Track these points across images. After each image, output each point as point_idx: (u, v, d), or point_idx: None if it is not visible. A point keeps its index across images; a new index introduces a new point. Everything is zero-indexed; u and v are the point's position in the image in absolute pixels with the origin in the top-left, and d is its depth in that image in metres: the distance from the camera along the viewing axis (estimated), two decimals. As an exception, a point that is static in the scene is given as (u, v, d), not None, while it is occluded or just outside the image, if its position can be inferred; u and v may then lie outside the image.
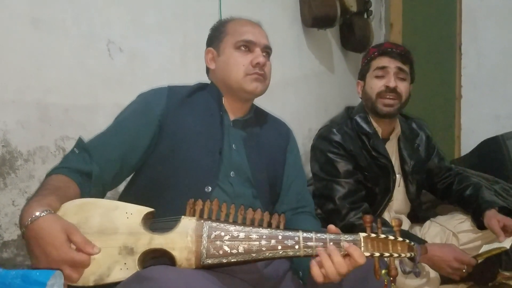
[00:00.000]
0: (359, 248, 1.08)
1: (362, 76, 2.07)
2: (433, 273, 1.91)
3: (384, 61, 1.97)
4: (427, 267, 1.88)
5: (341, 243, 1.09)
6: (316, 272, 1.09)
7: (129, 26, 2.01)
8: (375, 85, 1.98)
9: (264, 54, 1.45)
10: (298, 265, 1.31)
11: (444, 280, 1.98)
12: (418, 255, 1.12)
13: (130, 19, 2.02)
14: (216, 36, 1.49)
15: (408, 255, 1.11)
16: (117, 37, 1.95)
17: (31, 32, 1.68)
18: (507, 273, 2.28)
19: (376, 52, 2.00)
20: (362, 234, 1.10)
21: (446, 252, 1.79)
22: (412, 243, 1.13)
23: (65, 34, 1.78)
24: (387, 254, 1.10)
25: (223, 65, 1.45)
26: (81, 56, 1.83)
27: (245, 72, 1.41)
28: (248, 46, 1.44)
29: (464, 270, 1.79)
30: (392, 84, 1.93)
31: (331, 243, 1.09)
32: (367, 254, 1.09)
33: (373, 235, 1.11)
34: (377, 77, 1.97)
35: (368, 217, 1.13)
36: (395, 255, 1.10)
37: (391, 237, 1.11)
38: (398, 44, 2.02)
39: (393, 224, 1.14)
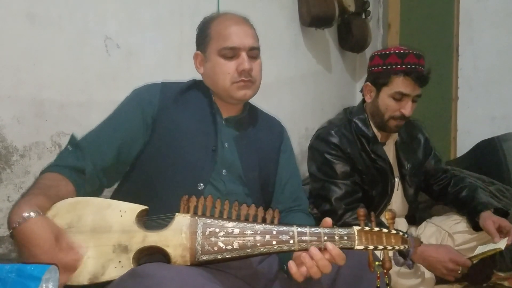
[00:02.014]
0: (339, 249, 1.08)
1: (376, 84, 1.98)
2: (428, 274, 1.92)
3: (407, 86, 1.88)
4: (422, 268, 1.88)
5: (323, 242, 1.09)
6: (295, 272, 1.09)
7: (125, 23, 2.00)
8: (391, 107, 1.93)
9: (250, 56, 1.39)
10: (282, 259, 1.31)
11: (439, 280, 1.99)
12: (412, 247, 1.13)
13: (126, 15, 2.01)
14: (202, 39, 1.45)
15: (402, 247, 1.12)
16: (112, 33, 1.95)
17: (27, 27, 1.67)
18: (501, 274, 2.28)
19: (399, 66, 1.89)
20: (356, 228, 1.11)
21: (441, 253, 1.79)
22: (406, 235, 1.13)
23: (60, 30, 1.77)
24: (381, 247, 1.10)
25: (210, 72, 1.42)
26: (77, 52, 1.83)
27: (231, 80, 1.38)
28: (232, 52, 1.38)
29: (459, 272, 1.79)
30: (409, 113, 1.91)
31: (326, 237, 1.09)
32: (361, 247, 1.09)
33: (367, 228, 1.11)
34: (394, 98, 1.91)
35: (362, 211, 1.13)
36: (389, 247, 1.11)
37: (385, 230, 1.12)
38: (419, 54, 1.90)
39: (387, 217, 1.14)
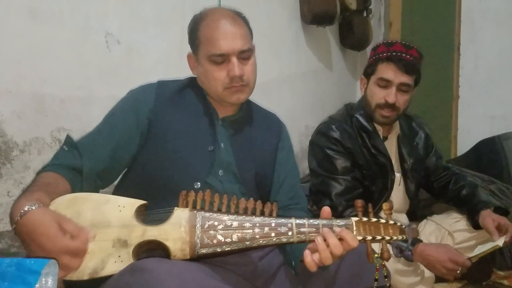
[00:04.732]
0: (351, 231, 1.09)
1: (367, 74, 2.02)
2: (427, 272, 1.92)
3: (389, 71, 1.90)
4: (421, 266, 1.88)
5: (334, 228, 1.09)
6: (309, 261, 1.09)
7: (126, 19, 2.00)
8: (376, 95, 1.94)
9: (242, 58, 1.35)
10: (290, 255, 1.31)
11: (438, 278, 1.99)
12: (410, 238, 1.13)
13: (127, 11, 2.01)
14: (193, 41, 1.40)
15: (400, 237, 1.12)
16: (114, 29, 1.95)
17: (28, 22, 1.68)
18: (500, 273, 2.28)
19: (384, 53, 1.93)
20: (354, 218, 1.11)
21: (441, 253, 1.78)
22: (403, 226, 1.14)
23: (61, 26, 1.77)
24: (379, 238, 1.10)
25: (203, 77, 1.40)
26: (78, 48, 1.83)
27: (223, 86, 1.35)
28: (222, 58, 1.34)
29: (458, 271, 1.79)
30: (391, 100, 1.91)
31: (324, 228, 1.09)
32: (359, 238, 1.09)
33: (364, 219, 1.12)
34: (379, 86, 1.93)
35: (359, 202, 1.14)
36: (387, 238, 1.11)
37: (383, 221, 1.12)
38: (410, 45, 1.93)
39: (384, 207, 1.14)
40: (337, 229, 1.09)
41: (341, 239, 1.08)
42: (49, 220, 1.01)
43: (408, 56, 1.90)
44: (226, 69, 1.34)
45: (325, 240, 1.07)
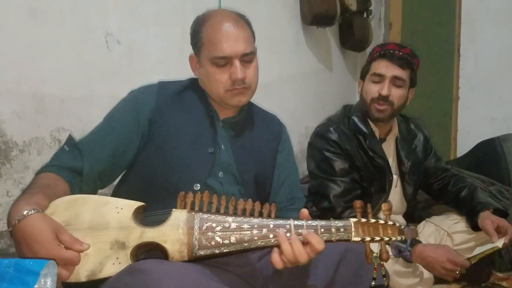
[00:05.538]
0: (317, 234, 1.08)
1: (362, 76, 2.05)
2: (426, 273, 1.92)
3: (381, 66, 1.94)
4: (420, 267, 1.88)
5: (300, 231, 1.09)
6: (276, 259, 1.09)
7: (126, 18, 2.00)
8: (370, 90, 1.97)
9: (244, 61, 1.35)
10: None
11: (437, 279, 1.99)
12: (409, 238, 1.13)
13: (127, 11, 2.01)
14: (195, 43, 1.40)
15: (399, 238, 1.12)
16: (114, 29, 1.95)
17: (28, 22, 1.68)
18: (499, 274, 2.28)
19: (378, 53, 1.97)
20: (352, 220, 1.11)
21: (439, 253, 1.78)
22: (402, 226, 1.13)
23: (62, 25, 1.77)
24: (377, 238, 1.10)
25: (204, 79, 1.40)
26: (78, 47, 1.83)
27: (225, 88, 1.35)
28: (224, 61, 1.33)
29: (457, 272, 1.79)
30: (384, 92, 1.92)
31: (323, 230, 1.09)
32: (358, 239, 1.09)
33: (363, 220, 1.11)
34: (373, 82, 1.96)
35: (358, 203, 1.14)
36: (386, 238, 1.11)
37: (382, 221, 1.12)
38: (403, 45, 1.98)
39: (383, 208, 1.14)
40: (304, 231, 1.08)
41: (307, 242, 1.08)
42: (46, 228, 1.01)
43: (400, 53, 1.94)
44: (228, 71, 1.34)
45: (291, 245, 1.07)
